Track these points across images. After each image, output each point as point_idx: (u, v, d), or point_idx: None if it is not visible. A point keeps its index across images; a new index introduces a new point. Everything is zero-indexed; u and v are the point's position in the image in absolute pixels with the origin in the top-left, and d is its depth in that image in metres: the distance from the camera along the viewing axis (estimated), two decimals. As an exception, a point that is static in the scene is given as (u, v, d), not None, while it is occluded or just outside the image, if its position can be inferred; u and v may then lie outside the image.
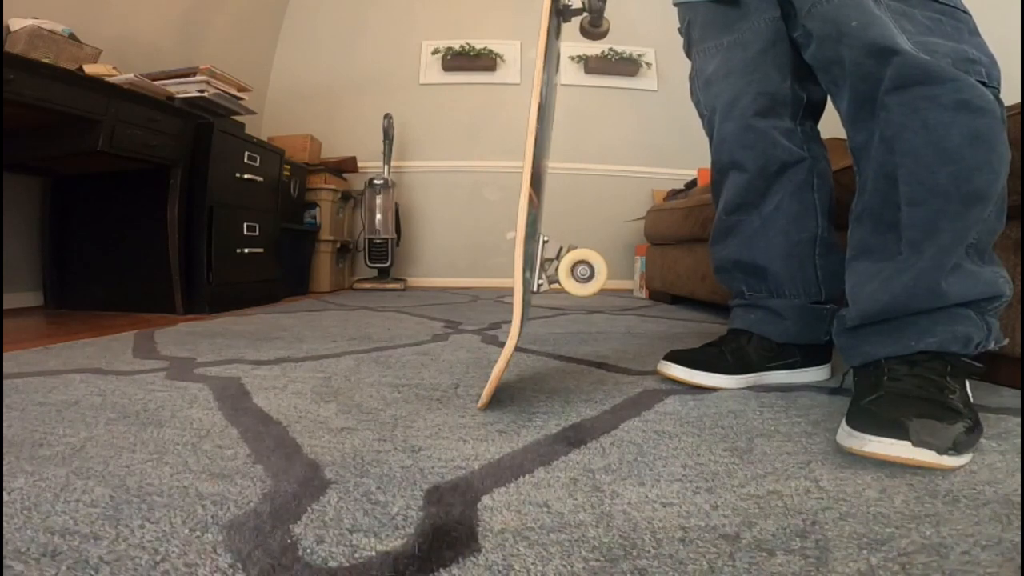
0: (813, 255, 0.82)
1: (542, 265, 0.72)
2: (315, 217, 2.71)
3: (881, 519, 0.40)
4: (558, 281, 0.72)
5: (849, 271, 0.67)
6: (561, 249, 0.73)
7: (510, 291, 0.65)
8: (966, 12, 0.63)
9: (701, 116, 0.90)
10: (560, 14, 0.81)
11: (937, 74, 0.57)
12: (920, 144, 0.58)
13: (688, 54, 0.93)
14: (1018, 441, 0.56)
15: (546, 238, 0.73)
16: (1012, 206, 0.61)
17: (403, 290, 2.91)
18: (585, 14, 0.85)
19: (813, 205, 0.82)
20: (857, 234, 0.67)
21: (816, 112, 0.85)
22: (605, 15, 0.86)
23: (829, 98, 0.75)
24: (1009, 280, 0.61)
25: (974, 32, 0.62)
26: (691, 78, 0.91)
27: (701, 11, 0.87)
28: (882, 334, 0.61)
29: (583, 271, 0.70)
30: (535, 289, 0.71)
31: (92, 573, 0.32)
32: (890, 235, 0.62)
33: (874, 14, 0.61)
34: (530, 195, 0.65)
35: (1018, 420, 0.63)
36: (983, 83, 0.58)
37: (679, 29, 0.94)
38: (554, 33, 0.76)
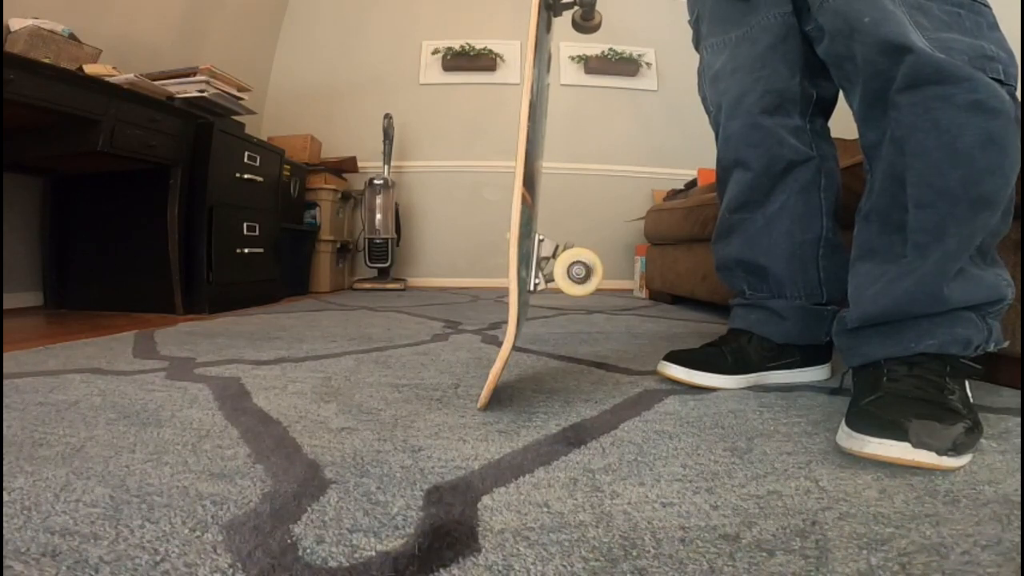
0: (816, 256, 0.81)
1: (538, 264, 0.71)
2: (315, 217, 2.71)
3: (881, 519, 0.40)
4: (554, 280, 0.71)
5: (852, 271, 0.67)
6: (557, 247, 0.72)
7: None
8: (986, 5, 0.61)
9: (707, 112, 0.89)
10: (550, 8, 0.80)
11: (951, 73, 0.55)
12: (931, 145, 0.57)
13: (697, 48, 0.91)
14: (1018, 441, 0.56)
15: (541, 236, 0.72)
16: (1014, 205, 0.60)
17: (403, 290, 2.91)
18: (576, 8, 0.84)
19: (819, 205, 0.81)
20: (863, 234, 0.66)
21: (827, 109, 0.84)
22: (597, 8, 0.85)
23: (842, 94, 0.73)
24: (1011, 283, 0.61)
25: (993, 26, 0.60)
26: (699, 73, 0.90)
27: (710, 4, 0.86)
28: (882, 335, 0.61)
29: (578, 271, 0.70)
30: (532, 288, 0.71)
31: (92, 573, 0.32)
32: (896, 237, 0.61)
33: (888, 10, 0.59)
34: (524, 194, 0.65)
35: (1018, 420, 0.63)
36: (1000, 80, 0.56)
37: (689, 22, 0.93)
38: (544, 28, 0.75)
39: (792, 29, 0.78)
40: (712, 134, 0.89)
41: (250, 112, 2.12)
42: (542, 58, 0.76)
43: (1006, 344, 0.63)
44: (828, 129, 0.84)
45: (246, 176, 2.00)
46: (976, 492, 0.44)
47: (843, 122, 0.84)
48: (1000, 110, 0.55)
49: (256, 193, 2.07)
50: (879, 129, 0.63)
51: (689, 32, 0.94)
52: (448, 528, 0.38)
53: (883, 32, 0.58)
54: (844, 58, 0.66)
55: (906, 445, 0.47)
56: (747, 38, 0.80)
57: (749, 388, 0.79)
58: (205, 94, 1.82)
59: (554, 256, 0.72)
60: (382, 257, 2.92)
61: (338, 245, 2.86)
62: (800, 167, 0.80)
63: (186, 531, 0.37)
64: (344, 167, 2.98)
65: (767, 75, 0.79)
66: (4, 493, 0.42)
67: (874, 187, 0.64)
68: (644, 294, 2.60)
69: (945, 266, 0.57)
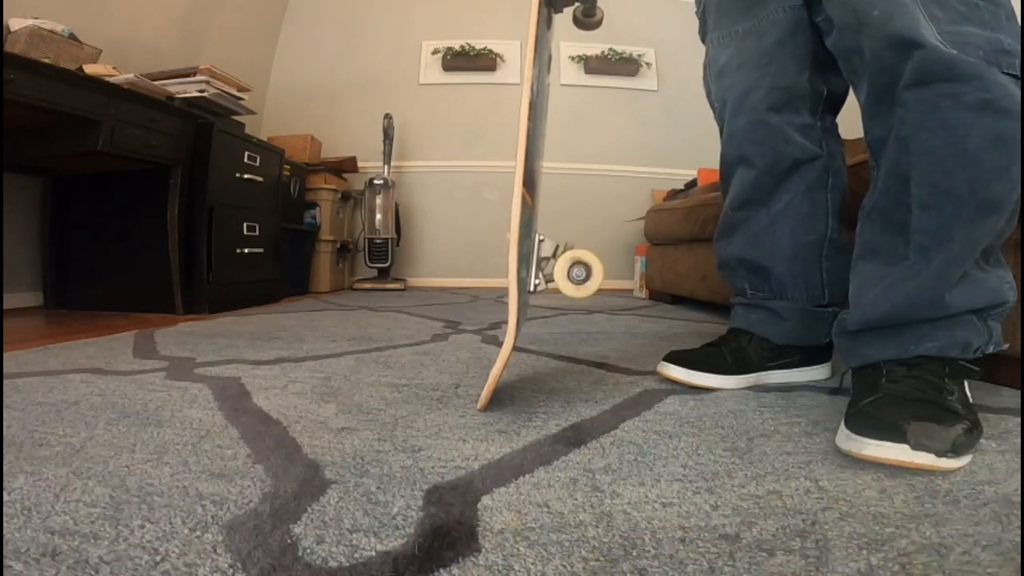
0: (819, 257, 0.80)
1: (538, 264, 0.71)
2: (315, 217, 2.71)
3: (881, 519, 0.40)
4: (554, 281, 0.71)
5: (854, 271, 0.66)
6: (558, 247, 0.72)
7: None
8: None
9: (712, 107, 0.87)
10: (551, 4, 0.79)
11: (962, 70, 0.52)
12: (937, 145, 0.55)
13: (703, 40, 0.90)
14: (1018, 441, 0.56)
15: (541, 236, 0.72)
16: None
17: (403, 290, 2.91)
18: (577, 3, 0.83)
19: (824, 205, 0.79)
20: (866, 233, 0.65)
21: (837, 105, 0.82)
22: (599, 4, 0.84)
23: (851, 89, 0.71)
24: (1014, 285, 0.60)
25: (1012, 17, 0.57)
26: (704, 66, 0.89)
27: None
28: (881, 337, 0.61)
29: (578, 273, 0.70)
30: (532, 289, 0.70)
31: (92, 573, 0.32)
32: (898, 237, 0.60)
33: (899, 2, 0.56)
34: (524, 194, 0.65)
35: (1018, 420, 0.63)
36: (1014, 76, 0.53)
37: (696, 12, 0.91)
38: (544, 25, 0.74)
39: (802, 23, 0.75)
40: (713, 133, 0.88)
41: (250, 112, 2.12)
42: (542, 56, 0.75)
43: (1006, 346, 0.62)
44: (836, 126, 0.83)
45: (246, 176, 2.00)
46: (976, 492, 0.44)
47: (844, 122, 0.84)
48: (1012, 110, 0.52)
49: (256, 193, 2.07)
50: (885, 125, 0.61)
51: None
52: (448, 528, 0.38)
53: (892, 26, 0.56)
54: (852, 52, 0.64)
55: (905, 447, 0.47)
56: (754, 31, 0.78)
57: (749, 388, 0.79)
58: (205, 94, 1.82)
59: (554, 256, 0.71)
60: (382, 257, 2.92)
61: (338, 245, 2.86)
62: (806, 166, 0.79)
63: (186, 531, 0.37)
64: (344, 167, 2.97)
65: (774, 71, 0.77)
66: (4, 493, 0.42)
67: (878, 185, 0.63)
68: (644, 294, 2.60)
69: (948, 271, 0.56)
